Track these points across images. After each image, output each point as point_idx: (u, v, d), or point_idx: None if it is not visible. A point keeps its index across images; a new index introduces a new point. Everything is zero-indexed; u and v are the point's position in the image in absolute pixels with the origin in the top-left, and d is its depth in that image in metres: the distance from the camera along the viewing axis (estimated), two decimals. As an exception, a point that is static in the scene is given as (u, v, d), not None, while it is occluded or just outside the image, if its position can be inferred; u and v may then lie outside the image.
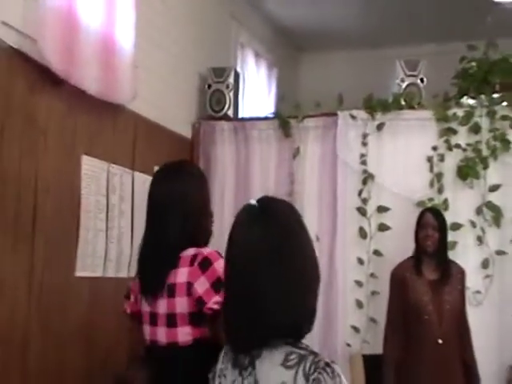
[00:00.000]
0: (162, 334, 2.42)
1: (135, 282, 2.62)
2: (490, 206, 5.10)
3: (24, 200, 3.73)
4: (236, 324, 1.78)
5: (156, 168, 4.94)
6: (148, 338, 2.50)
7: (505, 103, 5.21)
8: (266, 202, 1.86)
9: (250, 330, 1.73)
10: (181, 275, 2.41)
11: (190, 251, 2.45)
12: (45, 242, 3.85)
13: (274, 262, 1.73)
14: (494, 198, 5.12)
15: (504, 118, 5.15)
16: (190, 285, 2.37)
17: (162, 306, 2.42)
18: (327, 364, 1.66)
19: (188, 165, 2.83)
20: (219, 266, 2.32)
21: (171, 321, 2.39)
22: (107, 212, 4.46)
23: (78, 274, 4.14)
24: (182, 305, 2.38)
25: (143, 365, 2.69)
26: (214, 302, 2.32)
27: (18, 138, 3.69)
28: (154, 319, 2.46)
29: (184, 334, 2.36)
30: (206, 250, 2.46)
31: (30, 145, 3.77)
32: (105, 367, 4.22)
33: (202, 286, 2.36)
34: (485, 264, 5.05)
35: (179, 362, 2.39)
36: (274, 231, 1.77)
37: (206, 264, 2.40)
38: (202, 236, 2.60)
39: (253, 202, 1.85)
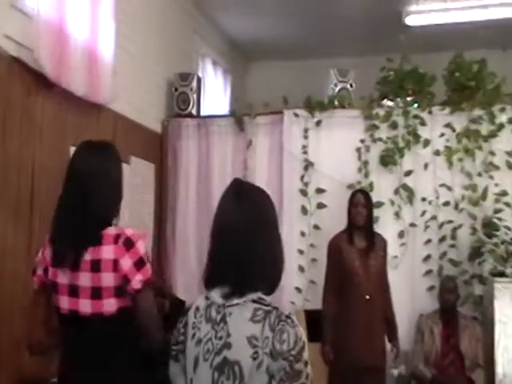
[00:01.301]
0: (85, 305, 2.16)
1: (43, 256, 2.29)
2: (405, 187, 5.17)
3: (23, 183, 3.69)
4: (223, 276, 1.74)
5: (133, 158, 5.00)
6: (66, 308, 2.21)
7: (416, 105, 5.28)
8: (243, 185, 1.86)
9: (235, 281, 1.71)
10: (106, 252, 2.15)
11: (112, 230, 2.20)
12: (40, 219, 3.79)
13: (255, 231, 1.74)
14: (408, 181, 5.19)
15: (415, 117, 5.22)
16: (116, 261, 2.13)
17: (85, 280, 2.16)
18: (288, 316, 1.67)
19: (111, 146, 2.41)
20: (141, 245, 2.17)
21: (96, 293, 2.16)
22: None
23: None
24: (108, 279, 2.14)
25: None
26: (137, 280, 2.12)
27: (18, 132, 3.64)
28: (74, 291, 2.18)
29: (109, 304, 2.15)
30: (128, 231, 2.20)
31: (27, 138, 3.73)
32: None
33: (126, 263, 2.13)
34: (401, 234, 5.14)
35: (104, 329, 2.17)
36: (253, 207, 1.78)
37: (129, 243, 2.16)
38: (115, 215, 2.31)
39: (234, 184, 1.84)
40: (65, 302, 2.21)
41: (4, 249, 3.51)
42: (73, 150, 4.03)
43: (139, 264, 2.14)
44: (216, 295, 1.74)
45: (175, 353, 1.80)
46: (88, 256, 2.15)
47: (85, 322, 2.17)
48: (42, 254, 2.31)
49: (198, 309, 1.77)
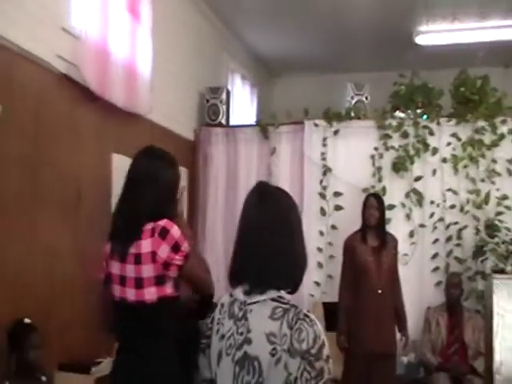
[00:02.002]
0: (131, 293, 2.21)
1: (105, 251, 2.34)
2: (415, 191, 5.16)
3: (70, 186, 3.77)
4: (244, 274, 1.67)
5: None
6: (118, 295, 2.25)
7: (425, 116, 5.27)
8: (268, 186, 1.77)
9: (256, 279, 1.63)
10: (145, 246, 2.16)
11: (149, 225, 2.19)
12: (85, 218, 3.88)
13: (276, 230, 1.65)
14: (417, 185, 5.18)
15: (425, 127, 5.21)
16: (154, 253, 2.15)
17: (130, 271, 2.19)
18: (306, 315, 1.57)
19: (166, 153, 2.40)
20: (175, 231, 2.17)
21: (139, 283, 2.18)
22: (131, 196, 4.46)
23: (110, 243, 4.16)
24: (148, 270, 2.17)
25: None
26: (178, 259, 2.16)
27: (66, 140, 3.72)
28: (123, 281, 2.23)
29: (150, 293, 2.17)
30: (161, 222, 2.19)
31: (75, 145, 3.80)
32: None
33: (164, 251, 2.15)
34: (411, 234, 5.13)
35: (145, 316, 2.20)
36: (275, 207, 1.70)
37: (164, 232, 2.16)
38: (168, 210, 2.30)
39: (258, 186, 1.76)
40: (117, 291, 2.26)
41: (53, 247, 3.59)
42: (114, 156, 4.18)
43: (176, 248, 2.16)
44: (239, 292, 1.66)
45: (204, 346, 1.72)
46: (132, 250, 2.18)
47: (130, 309, 2.21)
48: (104, 249, 2.37)
49: (222, 305, 1.70)
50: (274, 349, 1.53)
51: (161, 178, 2.29)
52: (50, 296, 3.52)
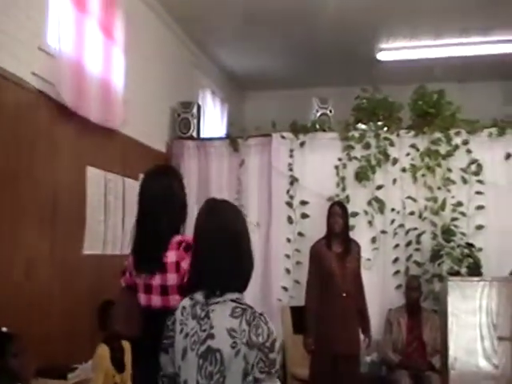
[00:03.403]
0: (157, 300, 2.36)
1: (129, 262, 2.50)
2: (376, 199, 5.28)
3: (47, 198, 3.80)
4: (201, 281, 1.83)
5: (141, 175, 5.10)
6: (143, 303, 2.41)
7: (385, 128, 5.39)
8: (216, 202, 1.92)
9: (215, 282, 1.79)
10: (171, 256, 2.33)
11: (177, 238, 2.36)
12: (62, 229, 3.91)
13: (223, 242, 1.81)
14: (379, 194, 5.29)
15: (385, 138, 5.34)
16: (178, 264, 2.32)
17: (156, 280, 2.34)
18: (261, 314, 1.75)
19: (173, 168, 2.65)
20: None
21: (164, 290, 2.34)
22: (105, 207, 4.47)
23: (85, 252, 4.18)
24: (172, 279, 2.32)
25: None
26: None
27: (42, 154, 3.76)
28: (148, 289, 2.38)
29: (174, 300, 2.28)
30: (188, 237, 2.29)
31: (51, 159, 3.84)
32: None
33: (186, 263, 2.25)
34: (373, 240, 5.24)
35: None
36: (220, 220, 1.85)
37: (188, 248, 2.25)
38: (182, 225, 2.47)
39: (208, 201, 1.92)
40: (142, 299, 2.40)
41: (32, 257, 3.62)
42: (89, 169, 4.23)
43: None
44: (199, 296, 1.81)
45: (165, 346, 1.87)
46: (160, 260, 2.33)
47: (156, 314, 2.31)
48: (127, 261, 2.52)
49: (184, 308, 1.84)
50: (235, 342, 1.71)
51: (176, 196, 2.47)
52: (27, 304, 3.53)
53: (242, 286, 1.84)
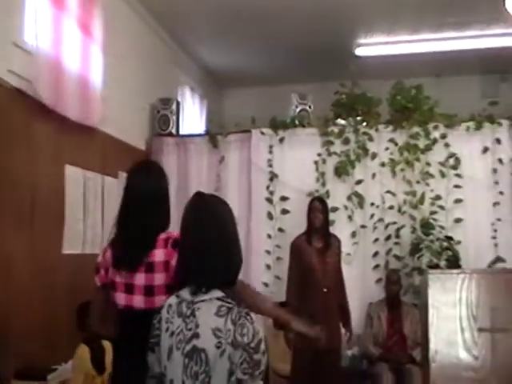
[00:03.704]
0: (139, 301, 2.25)
1: (105, 258, 2.39)
2: (356, 194, 5.28)
3: (25, 196, 3.75)
4: (188, 278, 1.80)
5: (121, 173, 5.06)
6: (123, 303, 2.30)
7: (364, 123, 5.40)
8: (204, 196, 1.88)
9: (202, 279, 1.76)
10: (159, 255, 2.24)
11: (162, 235, 2.29)
12: (41, 228, 3.87)
13: (211, 238, 1.77)
14: (358, 188, 5.30)
15: (364, 133, 5.34)
16: (167, 263, 2.23)
17: (140, 279, 2.25)
18: (247, 313, 1.70)
19: (157, 165, 2.55)
20: None
21: (149, 291, 2.24)
22: (84, 206, 4.42)
23: (65, 251, 4.14)
24: (160, 279, 2.23)
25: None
26: None
27: (20, 153, 3.71)
28: (130, 289, 2.28)
29: (160, 301, 2.16)
30: (174, 233, 2.26)
31: (28, 158, 3.78)
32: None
33: (175, 261, 2.15)
34: (353, 235, 5.24)
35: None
36: (211, 215, 1.82)
37: (176, 244, 2.20)
38: (168, 222, 2.41)
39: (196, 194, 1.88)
40: (121, 298, 2.29)
41: (10, 257, 3.57)
42: (68, 167, 4.18)
43: None
44: (185, 293, 1.78)
45: (152, 345, 1.84)
46: (145, 259, 2.25)
47: (138, 316, 2.24)
48: (102, 257, 2.41)
49: (170, 306, 1.81)
50: (220, 342, 1.67)
51: (159, 191, 2.39)
52: (6, 304, 3.49)
53: (230, 282, 1.80)
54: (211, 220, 1.80)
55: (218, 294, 1.74)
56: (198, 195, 1.89)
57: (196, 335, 1.71)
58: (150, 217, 2.31)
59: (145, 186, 2.36)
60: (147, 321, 2.17)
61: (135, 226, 2.31)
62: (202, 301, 1.74)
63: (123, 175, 5.04)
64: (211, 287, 1.75)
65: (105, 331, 2.51)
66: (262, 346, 1.70)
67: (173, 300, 1.82)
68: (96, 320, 2.46)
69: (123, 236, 2.35)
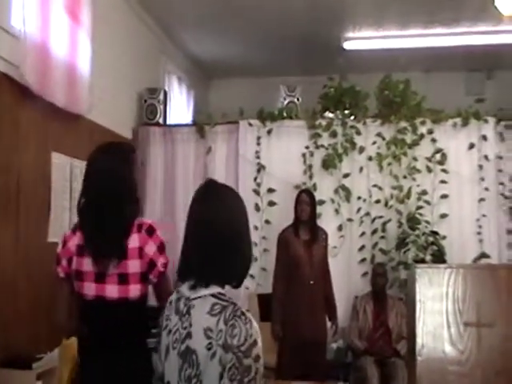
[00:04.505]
0: (112, 290, 2.12)
1: (65, 248, 2.23)
2: (343, 187, 5.28)
3: (10, 184, 3.67)
4: (190, 269, 1.65)
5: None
6: (93, 294, 2.15)
7: (352, 117, 5.40)
8: (212, 185, 1.73)
9: (199, 274, 1.62)
10: (133, 241, 2.13)
11: (136, 221, 2.18)
12: (26, 216, 3.79)
13: (220, 227, 1.62)
14: (346, 182, 5.29)
15: (352, 127, 5.33)
16: (141, 249, 2.12)
17: (112, 268, 2.12)
18: (242, 313, 1.54)
19: (123, 144, 2.39)
20: (159, 232, 2.18)
21: (123, 279, 2.12)
22: (70, 194, 4.33)
23: (50, 239, 4.04)
24: (134, 266, 2.12)
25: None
26: (162, 263, 2.15)
27: (6, 139, 3.62)
28: (101, 278, 2.14)
29: (135, 290, 2.12)
30: (147, 220, 2.20)
31: (14, 144, 3.70)
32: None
33: (151, 249, 2.13)
34: (340, 228, 5.24)
35: (127, 313, 2.14)
36: (219, 205, 1.67)
37: (151, 231, 2.16)
38: (139, 208, 2.29)
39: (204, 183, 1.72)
40: (91, 289, 2.15)
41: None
42: (54, 154, 4.10)
43: (161, 248, 2.16)
44: (184, 288, 1.64)
45: (154, 345, 1.72)
46: (117, 245, 2.13)
47: (110, 307, 2.13)
48: (63, 246, 2.25)
49: (170, 302, 1.69)
50: (210, 343, 1.52)
51: (119, 172, 2.24)
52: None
53: (235, 281, 1.66)
54: (221, 210, 1.65)
55: (215, 290, 1.59)
56: (209, 182, 1.73)
57: (189, 335, 1.57)
58: (126, 201, 2.19)
59: (109, 169, 2.21)
60: (120, 312, 2.14)
61: (108, 212, 2.17)
62: (198, 297, 1.60)
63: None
64: (211, 283, 1.60)
65: (72, 327, 2.30)
66: (255, 351, 1.50)
67: (173, 296, 1.70)
68: (63, 315, 2.28)
69: (92, 223, 2.20)
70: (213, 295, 1.58)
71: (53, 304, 2.30)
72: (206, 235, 1.63)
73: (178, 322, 1.62)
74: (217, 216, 1.64)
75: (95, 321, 2.18)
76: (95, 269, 2.15)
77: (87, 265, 2.16)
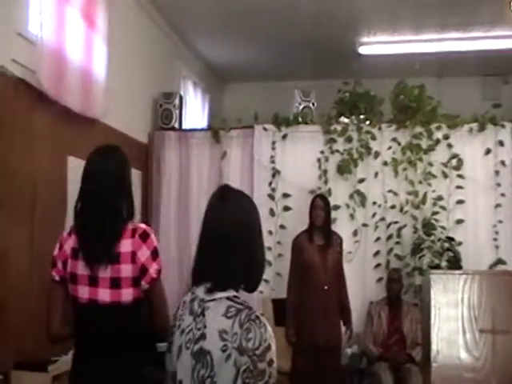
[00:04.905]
0: (104, 294, 2.09)
1: (61, 251, 2.19)
2: (358, 193, 5.25)
3: (26, 188, 3.68)
4: (206, 273, 1.67)
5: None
6: (86, 297, 2.13)
7: (367, 122, 5.36)
8: (228, 190, 1.75)
9: (216, 278, 1.63)
10: (124, 246, 2.09)
11: (130, 226, 2.14)
12: (41, 219, 3.79)
13: (236, 232, 1.65)
14: (361, 187, 5.26)
15: (367, 132, 5.30)
16: (133, 254, 2.08)
17: (105, 271, 2.09)
18: (257, 317, 1.56)
19: (119, 148, 2.31)
20: (154, 238, 2.14)
21: (116, 283, 2.09)
22: (86, 198, 4.38)
23: (65, 242, 4.09)
24: (126, 270, 2.08)
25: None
26: (154, 269, 2.11)
27: (22, 144, 3.64)
28: (94, 281, 2.10)
29: (127, 294, 2.08)
30: (142, 225, 2.16)
31: (30, 148, 3.72)
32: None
33: (143, 254, 2.09)
34: (355, 233, 5.20)
35: (120, 318, 2.11)
36: (235, 210, 1.69)
37: (145, 236, 2.12)
38: (133, 211, 2.23)
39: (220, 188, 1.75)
40: (85, 292, 2.13)
41: (8, 248, 3.50)
42: (70, 158, 4.11)
43: (154, 254, 2.12)
44: (200, 290, 1.66)
45: (169, 345, 1.72)
46: (110, 249, 2.09)
47: (103, 310, 2.11)
48: (59, 249, 2.22)
49: (184, 302, 1.70)
50: (225, 345, 1.54)
51: (127, 178, 2.23)
52: (5, 296, 3.43)
53: (251, 285, 1.68)
54: (237, 215, 1.67)
55: (231, 293, 1.62)
56: (225, 187, 1.76)
57: (203, 336, 1.59)
58: (114, 205, 2.15)
59: (110, 170, 2.18)
60: (112, 316, 2.11)
61: (102, 215, 2.14)
62: (213, 300, 1.62)
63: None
64: (228, 287, 1.62)
65: (66, 333, 2.25)
66: (269, 355, 1.53)
67: (187, 297, 1.71)
68: (57, 320, 2.22)
69: (86, 226, 2.17)
70: (228, 298, 1.60)
71: (47, 308, 2.26)
72: (222, 240, 1.65)
73: (192, 323, 1.63)
74: (233, 221, 1.66)
75: (89, 324, 2.16)
76: (88, 272, 2.13)
77: (81, 268, 2.14)
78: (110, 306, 2.10)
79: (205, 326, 1.59)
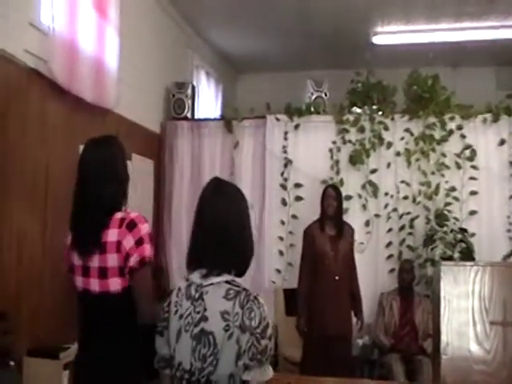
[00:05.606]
0: (94, 284, 2.12)
1: (67, 240, 2.24)
2: (370, 183, 5.22)
3: (39, 177, 3.71)
4: (201, 259, 1.78)
5: (134, 155, 5.04)
6: (81, 286, 2.16)
7: (380, 112, 5.32)
8: (219, 182, 1.88)
9: (211, 264, 1.75)
10: (111, 235, 2.09)
11: (118, 215, 2.12)
12: (54, 208, 3.82)
13: (228, 220, 1.77)
14: (373, 177, 5.23)
15: (380, 122, 5.26)
16: (119, 243, 2.07)
17: (95, 261, 2.10)
18: (255, 297, 1.71)
19: (115, 138, 2.31)
20: (143, 227, 2.11)
21: (103, 273, 2.10)
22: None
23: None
24: (112, 260, 2.08)
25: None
26: (134, 259, 2.07)
27: (35, 133, 3.67)
28: (86, 271, 2.13)
29: (114, 284, 2.09)
30: (132, 214, 2.14)
31: (42, 137, 3.75)
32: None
33: (128, 243, 2.07)
34: (367, 224, 5.19)
35: (110, 306, 2.13)
36: (226, 200, 1.81)
37: (132, 225, 2.09)
38: (124, 201, 2.24)
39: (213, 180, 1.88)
40: (80, 282, 2.17)
41: (22, 236, 3.54)
42: (81, 148, 4.12)
43: (138, 243, 2.10)
44: (195, 276, 1.77)
45: (161, 329, 1.82)
46: (98, 239, 2.10)
47: (94, 300, 2.13)
48: (66, 239, 2.26)
49: (179, 289, 1.80)
50: (228, 325, 1.67)
51: (119, 167, 2.24)
52: (18, 283, 3.47)
53: (241, 270, 1.80)
54: (229, 205, 1.80)
55: (227, 277, 1.75)
56: (216, 180, 1.89)
57: (204, 318, 1.71)
58: (104, 193, 2.14)
59: (97, 160, 2.19)
60: (102, 306, 2.13)
61: (88, 204, 2.15)
62: (211, 284, 1.74)
63: (137, 157, 5.09)
64: (223, 272, 1.75)
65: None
66: (269, 331, 1.70)
67: (182, 284, 1.82)
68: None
69: (77, 216, 2.20)
70: (227, 282, 1.74)
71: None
72: (218, 230, 1.77)
73: (190, 307, 1.75)
74: (228, 212, 1.79)
75: (85, 312, 2.22)
76: (81, 262, 2.16)
77: (76, 258, 2.18)
78: (99, 295, 2.12)
79: (205, 309, 1.72)
